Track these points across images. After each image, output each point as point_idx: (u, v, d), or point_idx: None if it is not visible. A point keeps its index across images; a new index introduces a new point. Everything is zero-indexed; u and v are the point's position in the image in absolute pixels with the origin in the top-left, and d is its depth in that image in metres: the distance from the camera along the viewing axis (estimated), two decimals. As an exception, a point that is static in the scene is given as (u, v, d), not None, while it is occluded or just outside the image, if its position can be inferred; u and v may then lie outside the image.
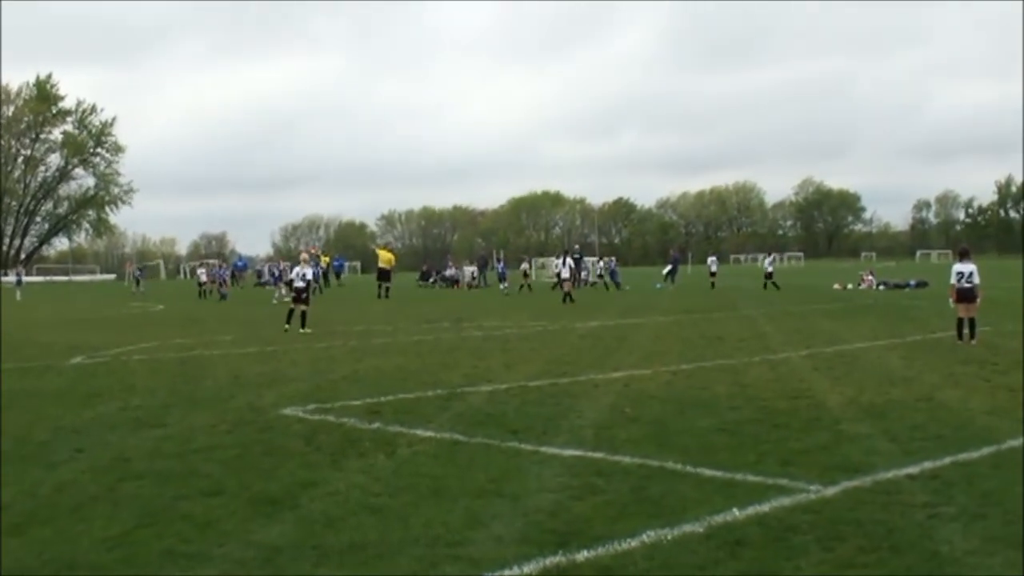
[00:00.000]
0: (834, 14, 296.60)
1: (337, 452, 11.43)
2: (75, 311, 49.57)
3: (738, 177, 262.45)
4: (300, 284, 30.72)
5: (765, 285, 56.88)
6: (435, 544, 7.75)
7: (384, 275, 56.33)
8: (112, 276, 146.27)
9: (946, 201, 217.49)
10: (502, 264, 71.28)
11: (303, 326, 29.88)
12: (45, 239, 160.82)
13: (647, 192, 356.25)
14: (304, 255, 33.83)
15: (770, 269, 59.84)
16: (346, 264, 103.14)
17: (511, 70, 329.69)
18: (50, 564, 7.52)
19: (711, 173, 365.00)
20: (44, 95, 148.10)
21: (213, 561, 7.49)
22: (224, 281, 65.66)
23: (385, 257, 58.27)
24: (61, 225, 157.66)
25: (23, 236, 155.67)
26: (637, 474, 10.01)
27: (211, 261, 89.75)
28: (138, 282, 76.18)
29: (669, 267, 66.57)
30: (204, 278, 62.93)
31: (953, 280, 23.08)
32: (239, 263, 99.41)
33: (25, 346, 27.11)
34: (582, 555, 7.40)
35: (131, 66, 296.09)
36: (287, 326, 29.99)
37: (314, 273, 64.50)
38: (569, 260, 51.07)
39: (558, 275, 51.44)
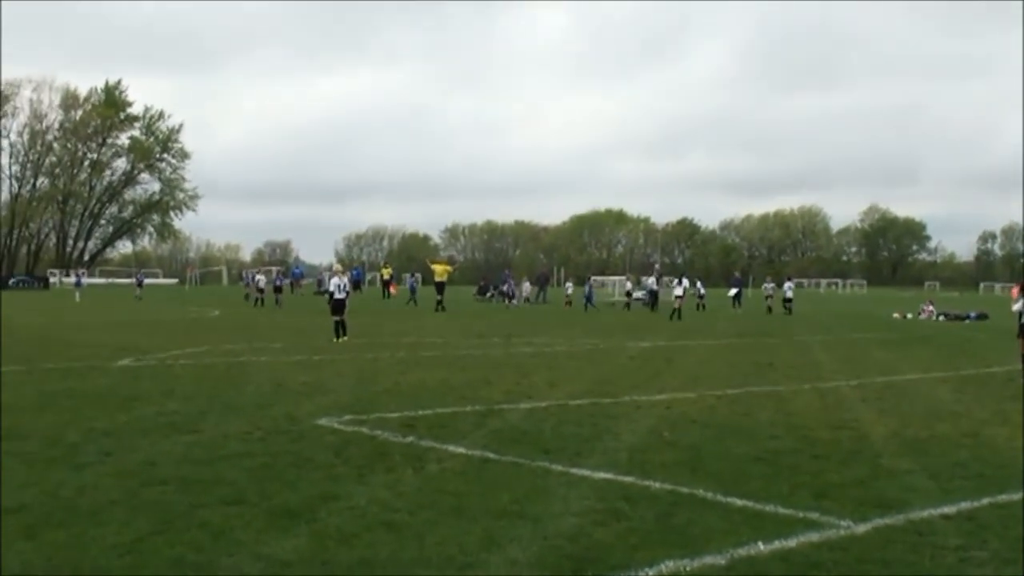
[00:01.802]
0: (907, 39, 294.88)
1: (364, 466, 11.29)
2: (132, 313, 49.92)
3: (804, 201, 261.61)
4: (340, 296, 30.69)
5: (789, 311, 57.54)
6: (447, 565, 7.59)
7: (440, 288, 56.43)
8: (175, 280, 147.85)
9: (1012, 233, 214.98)
10: (511, 282, 71.02)
11: (344, 335, 29.94)
12: (109, 242, 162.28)
13: (712, 213, 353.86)
14: (337, 266, 34.36)
15: (790, 295, 59.44)
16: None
17: (582, 87, 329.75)
18: (57, 569, 7.44)
19: (778, 196, 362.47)
20: (112, 100, 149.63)
21: (220, 573, 7.38)
22: (279, 288, 66.00)
23: (440, 270, 58.48)
24: (125, 229, 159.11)
25: (87, 238, 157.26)
26: (666, 501, 9.79)
27: (274, 268, 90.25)
28: (140, 284, 77.41)
29: (735, 290, 66.11)
30: (263, 284, 63.12)
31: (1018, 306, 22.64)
32: (296, 271, 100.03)
33: (74, 347, 27.27)
34: (596, 583, 7.21)
35: (205, 74, 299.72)
36: (335, 339, 29.93)
37: (413, 284, 65.75)
38: (686, 281, 54.68)
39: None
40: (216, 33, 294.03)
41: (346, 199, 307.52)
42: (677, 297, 52.51)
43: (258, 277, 66.48)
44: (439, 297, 55.51)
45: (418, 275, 74.31)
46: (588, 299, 63.52)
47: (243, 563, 7.56)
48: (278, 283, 67.92)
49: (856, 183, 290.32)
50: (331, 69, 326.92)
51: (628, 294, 65.07)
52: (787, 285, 61.73)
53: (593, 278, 71.25)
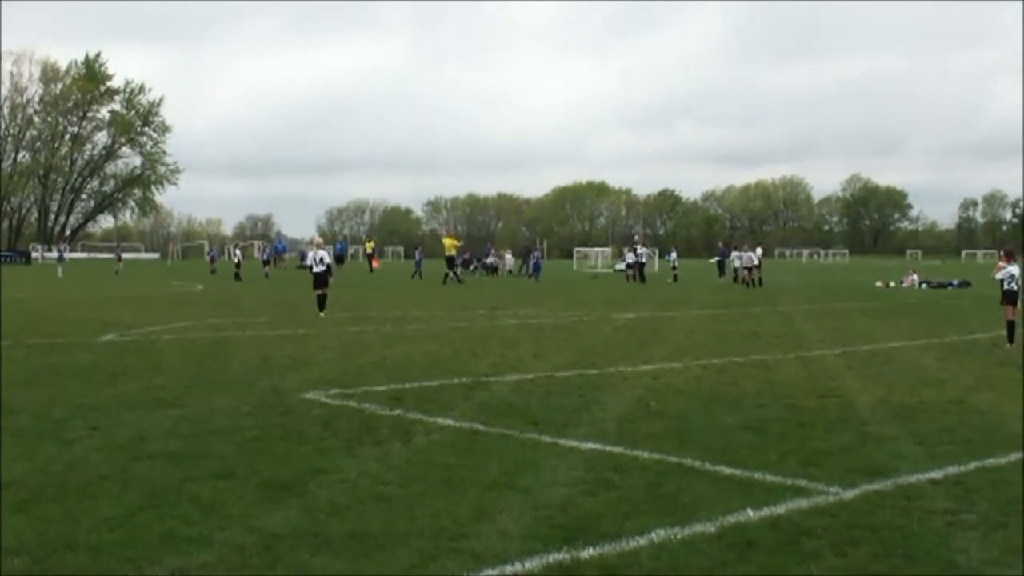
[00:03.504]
0: (897, 10, 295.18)
1: (353, 439, 11.30)
2: (114, 288, 49.78)
3: (791, 171, 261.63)
4: (319, 269, 30.51)
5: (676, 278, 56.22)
6: (438, 536, 7.60)
7: (451, 261, 57.47)
8: (156, 255, 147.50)
9: (993, 201, 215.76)
10: (466, 255, 71.30)
11: (322, 309, 29.80)
12: (90, 217, 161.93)
13: (699, 185, 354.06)
14: (318, 240, 34.32)
15: (736, 264, 58.09)
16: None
17: (571, 60, 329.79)
18: (50, 543, 7.41)
19: (765, 166, 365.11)
20: (92, 74, 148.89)
21: (212, 545, 7.37)
22: (267, 261, 66.40)
23: (450, 244, 59.16)
24: (107, 203, 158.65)
25: (68, 213, 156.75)
26: (654, 470, 9.83)
27: (255, 242, 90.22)
28: (119, 258, 77.26)
29: (718, 259, 66.17)
30: (240, 259, 63.05)
31: (1003, 281, 22.70)
32: (279, 246, 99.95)
33: (58, 322, 27.20)
34: (587, 553, 7.23)
35: (193, 46, 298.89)
36: (320, 313, 29.82)
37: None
38: (759, 250, 57.03)
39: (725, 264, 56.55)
40: (202, 5, 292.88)
41: (329, 173, 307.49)
42: (755, 267, 54.37)
43: (236, 252, 66.44)
44: (449, 271, 56.85)
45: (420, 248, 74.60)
46: (535, 270, 64.10)
47: (235, 536, 7.56)
48: (266, 257, 68.24)
49: (844, 153, 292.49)
50: (317, 43, 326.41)
51: (629, 266, 63.54)
52: (736, 255, 60.30)
53: (534, 252, 70.44)
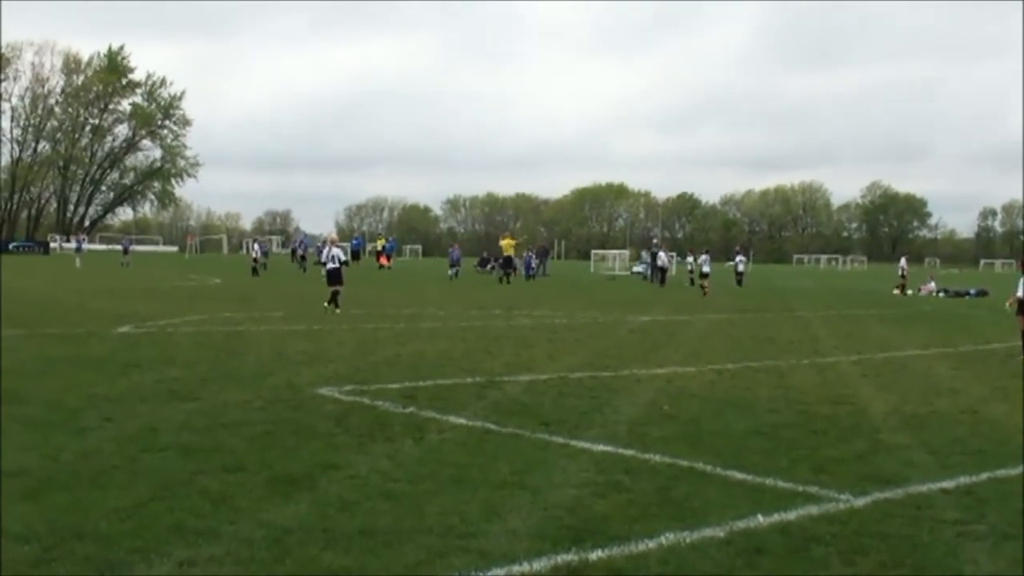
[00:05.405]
0: (921, 18, 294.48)
1: (365, 435, 11.30)
2: (132, 280, 49.89)
3: (811, 177, 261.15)
4: (333, 266, 30.52)
5: (693, 282, 55.28)
6: (447, 534, 7.60)
7: (508, 262, 59.32)
8: (175, 248, 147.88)
9: (1012, 211, 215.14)
10: (455, 251, 71.30)
11: (336, 306, 29.74)
12: (109, 208, 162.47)
13: (719, 188, 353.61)
14: (333, 237, 34.31)
15: (741, 268, 57.92)
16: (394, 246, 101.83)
17: (596, 61, 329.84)
18: (58, 531, 7.42)
19: (785, 171, 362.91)
20: (114, 66, 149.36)
21: (221, 539, 7.37)
22: (304, 256, 67.16)
23: (507, 244, 60.90)
24: (126, 195, 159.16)
25: (87, 204, 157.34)
26: (665, 474, 9.80)
27: (271, 238, 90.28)
28: (125, 251, 77.13)
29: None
30: (257, 254, 63.24)
31: (1020, 291, 22.59)
32: (305, 241, 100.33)
33: (75, 313, 27.29)
34: (595, 555, 7.21)
35: (216, 42, 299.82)
36: (337, 310, 29.79)
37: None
38: (903, 260, 60.61)
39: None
40: (225, 4, 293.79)
41: (348, 170, 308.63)
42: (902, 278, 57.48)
43: (255, 246, 66.68)
44: (506, 271, 58.73)
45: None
46: (527, 269, 64.36)
47: (244, 530, 7.57)
48: (303, 252, 68.95)
49: (867, 160, 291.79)
50: (339, 40, 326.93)
51: (662, 270, 62.09)
52: (738, 259, 61.12)
53: (527, 253, 70.35)
